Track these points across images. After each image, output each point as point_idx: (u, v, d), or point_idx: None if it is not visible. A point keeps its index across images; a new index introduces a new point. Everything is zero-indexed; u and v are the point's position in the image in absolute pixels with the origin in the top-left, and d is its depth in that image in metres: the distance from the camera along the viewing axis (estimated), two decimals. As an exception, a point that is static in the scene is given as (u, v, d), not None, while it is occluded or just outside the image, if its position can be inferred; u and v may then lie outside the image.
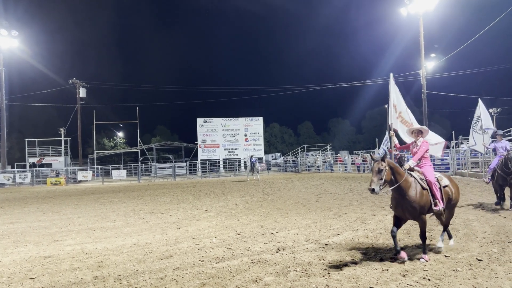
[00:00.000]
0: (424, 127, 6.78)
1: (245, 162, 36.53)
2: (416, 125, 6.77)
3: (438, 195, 5.98)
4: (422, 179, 6.05)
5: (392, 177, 5.72)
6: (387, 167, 5.60)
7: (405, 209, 5.85)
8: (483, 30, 29.98)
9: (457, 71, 43.98)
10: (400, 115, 8.41)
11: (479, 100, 14.71)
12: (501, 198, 10.52)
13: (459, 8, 53.95)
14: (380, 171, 5.57)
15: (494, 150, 11.75)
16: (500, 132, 11.79)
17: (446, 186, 6.29)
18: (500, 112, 47.60)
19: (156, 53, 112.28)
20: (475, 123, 15.12)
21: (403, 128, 8.22)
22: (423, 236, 5.95)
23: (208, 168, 40.63)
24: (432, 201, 5.93)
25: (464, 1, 48.99)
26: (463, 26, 60.28)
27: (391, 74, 9.07)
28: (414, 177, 5.97)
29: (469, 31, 51.09)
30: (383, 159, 5.63)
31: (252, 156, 30.95)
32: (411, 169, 6.13)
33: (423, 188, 5.92)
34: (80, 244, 8.23)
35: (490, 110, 39.74)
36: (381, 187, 5.58)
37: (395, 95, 8.71)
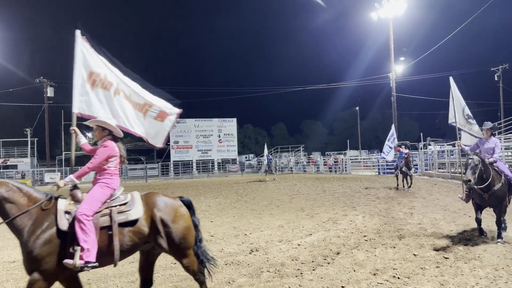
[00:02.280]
0: (104, 121, 4.16)
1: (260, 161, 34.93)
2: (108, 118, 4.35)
3: (83, 238, 3.54)
4: (69, 212, 3.69)
5: None
6: None
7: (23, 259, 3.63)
8: (450, 34, 31.16)
9: (425, 74, 45.50)
10: (124, 94, 5.05)
11: (450, 79, 8.56)
12: (480, 224, 7.15)
13: (427, 13, 55.78)
14: None
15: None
16: (489, 124, 7.36)
17: (134, 222, 3.87)
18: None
19: (127, 51, 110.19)
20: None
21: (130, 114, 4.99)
22: None
23: (180, 170, 40.23)
24: (70, 249, 3.56)
25: (432, 7, 50.72)
26: (431, 30, 62.40)
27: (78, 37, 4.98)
28: (57, 208, 3.71)
29: (437, 35, 52.99)
30: None
31: (268, 155, 29.50)
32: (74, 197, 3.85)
33: (59, 229, 3.59)
34: (47, 248, 7.96)
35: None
36: None
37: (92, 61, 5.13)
